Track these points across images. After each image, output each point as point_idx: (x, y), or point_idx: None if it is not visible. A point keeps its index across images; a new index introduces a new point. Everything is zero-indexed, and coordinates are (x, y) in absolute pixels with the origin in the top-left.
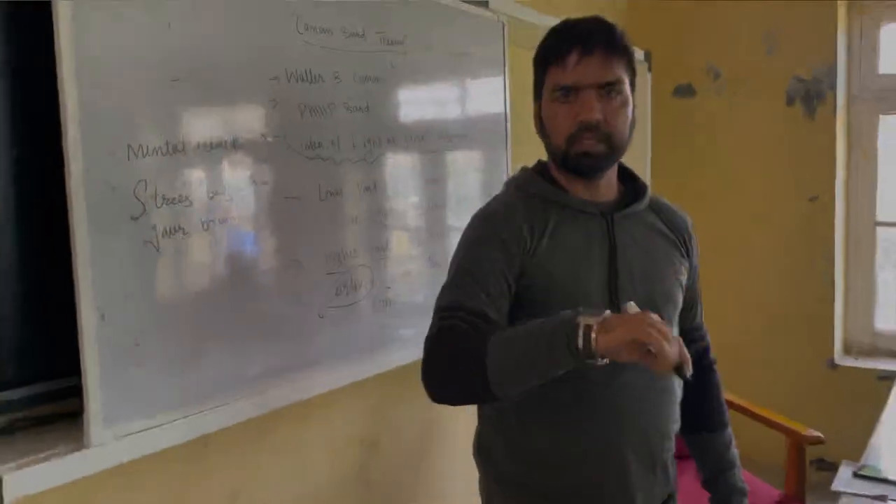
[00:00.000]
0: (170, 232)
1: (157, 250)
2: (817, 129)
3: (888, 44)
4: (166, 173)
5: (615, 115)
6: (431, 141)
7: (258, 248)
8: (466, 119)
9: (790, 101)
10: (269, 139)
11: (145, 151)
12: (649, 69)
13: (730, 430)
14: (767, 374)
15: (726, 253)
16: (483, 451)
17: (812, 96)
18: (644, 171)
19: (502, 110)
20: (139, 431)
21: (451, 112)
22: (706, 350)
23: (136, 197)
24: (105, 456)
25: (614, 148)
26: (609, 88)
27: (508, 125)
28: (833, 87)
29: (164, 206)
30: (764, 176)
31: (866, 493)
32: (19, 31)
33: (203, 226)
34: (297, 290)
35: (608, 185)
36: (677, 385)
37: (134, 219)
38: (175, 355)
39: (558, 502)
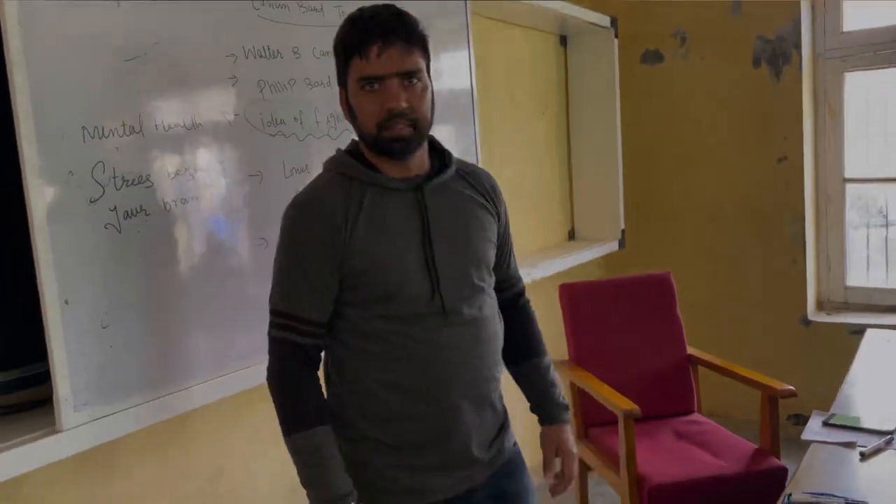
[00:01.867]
0: (131, 213)
1: (119, 232)
2: (784, 89)
3: (852, 1)
4: (124, 155)
5: (419, 100)
6: None
7: (224, 226)
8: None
9: (756, 63)
10: (230, 117)
11: (102, 133)
12: (616, 36)
13: (548, 357)
14: (743, 332)
15: (699, 217)
16: (335, 417)
17: (778, 56)
18: (614, 140)
19: (468, 84)
20: (111, 414)
21: None
22: (520, 293)
23: (94, 179)
24: (77, 439)
25: (421, 131)
26: (410, 76)
27: (475, 98)
28: (798, 45)
29: (124, 187)
30: (734, 139)
31: (835, 440)
32: None
33: (165, 206)
34: (265, 268)
35: (419, 161)
36: (499, 333)
37: (93, 202)
38: (144, 337)
39: (406, 451)
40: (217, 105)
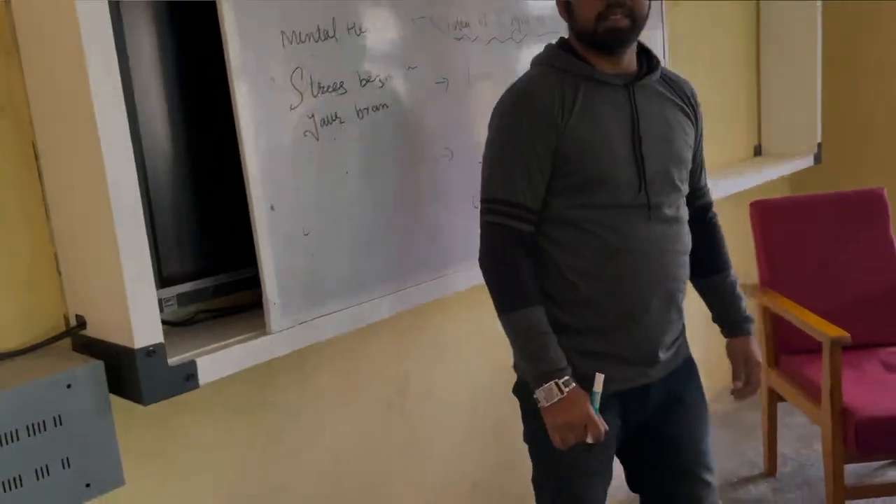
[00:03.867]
0: (327, 121)
1: (317, 140)
2: None
3: None
4: (320, 60)
5: None
6: None
7: (412, 136)
8: None
9: None
10: (416, 21)
11: (299, 38)
12: None
13: (734, 272)
14: None
15: None
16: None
17: None
18: (813, 44)
19: None
20: (313, 319)
21: None
22: (709, 206)
23: (293, 85)
24: (286, 341)
25: (637, 22)
26: None
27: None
28: None
29: (320, 94)
30: None
31: None
32: None
33: (358, 114)
34: (451, 180)
35: (629, 59)
36: (690, 238)
37: (293, 108)
38: (341, 245)
39: (592, 337)
40: (404, 8)
